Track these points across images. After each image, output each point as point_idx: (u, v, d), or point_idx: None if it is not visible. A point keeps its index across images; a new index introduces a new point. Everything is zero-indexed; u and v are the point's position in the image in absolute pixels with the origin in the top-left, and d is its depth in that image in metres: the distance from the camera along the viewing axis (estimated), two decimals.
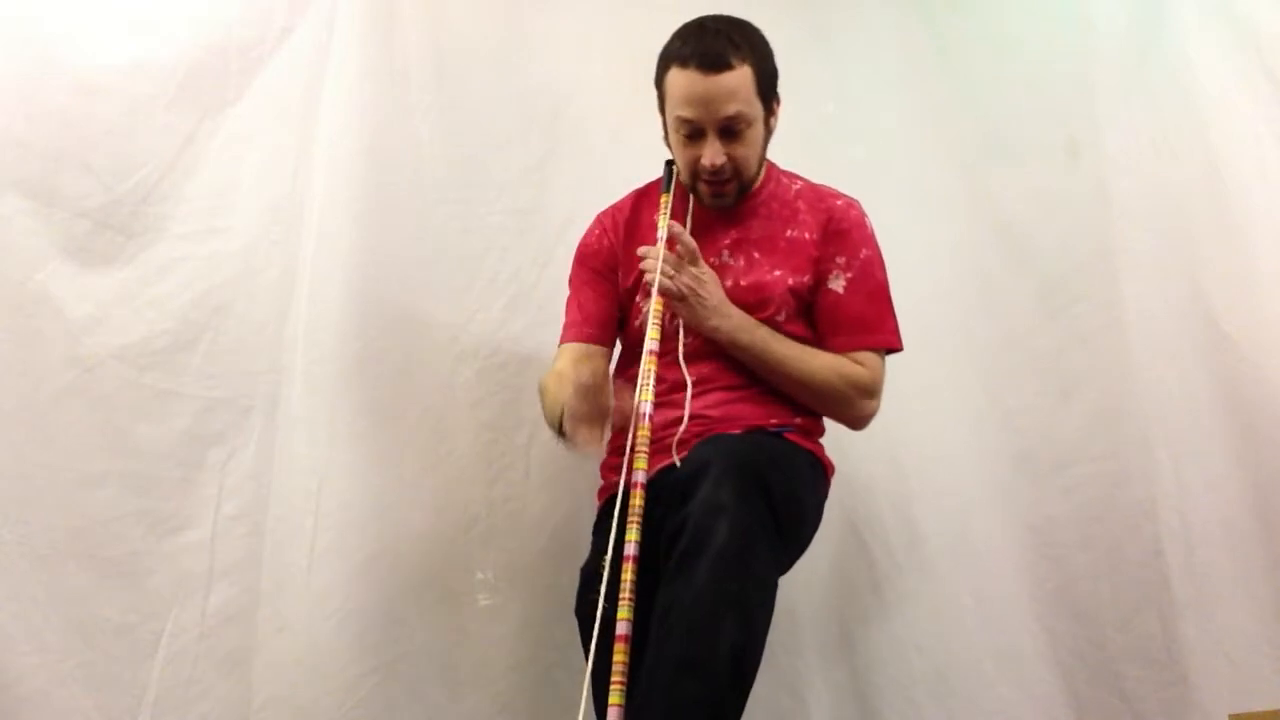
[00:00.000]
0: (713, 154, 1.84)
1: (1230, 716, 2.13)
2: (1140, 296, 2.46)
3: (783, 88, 2.03)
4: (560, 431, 1.75)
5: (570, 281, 2.04)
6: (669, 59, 1.87)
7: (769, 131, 1.93)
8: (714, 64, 1.81)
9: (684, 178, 1.92)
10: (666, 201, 1.91)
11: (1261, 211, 2.44)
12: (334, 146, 2.17)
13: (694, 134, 1.85)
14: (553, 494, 2.20)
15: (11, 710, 1.84)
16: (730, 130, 1.84)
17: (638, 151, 2.05)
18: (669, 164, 1.96)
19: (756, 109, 1.86)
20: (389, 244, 2.19)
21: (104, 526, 1.97)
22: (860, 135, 2.56)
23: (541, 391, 1.91)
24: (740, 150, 1.86)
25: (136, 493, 1.99)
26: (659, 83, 1.91)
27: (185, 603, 1.98)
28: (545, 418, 1.89)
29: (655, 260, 1.80)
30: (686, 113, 1.84)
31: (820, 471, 1.92)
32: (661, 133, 1.96)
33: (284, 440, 2.06)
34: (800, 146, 2.21)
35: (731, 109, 1.82)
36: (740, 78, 1.82)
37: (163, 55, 2.14)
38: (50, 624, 1.90)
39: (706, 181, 1.88)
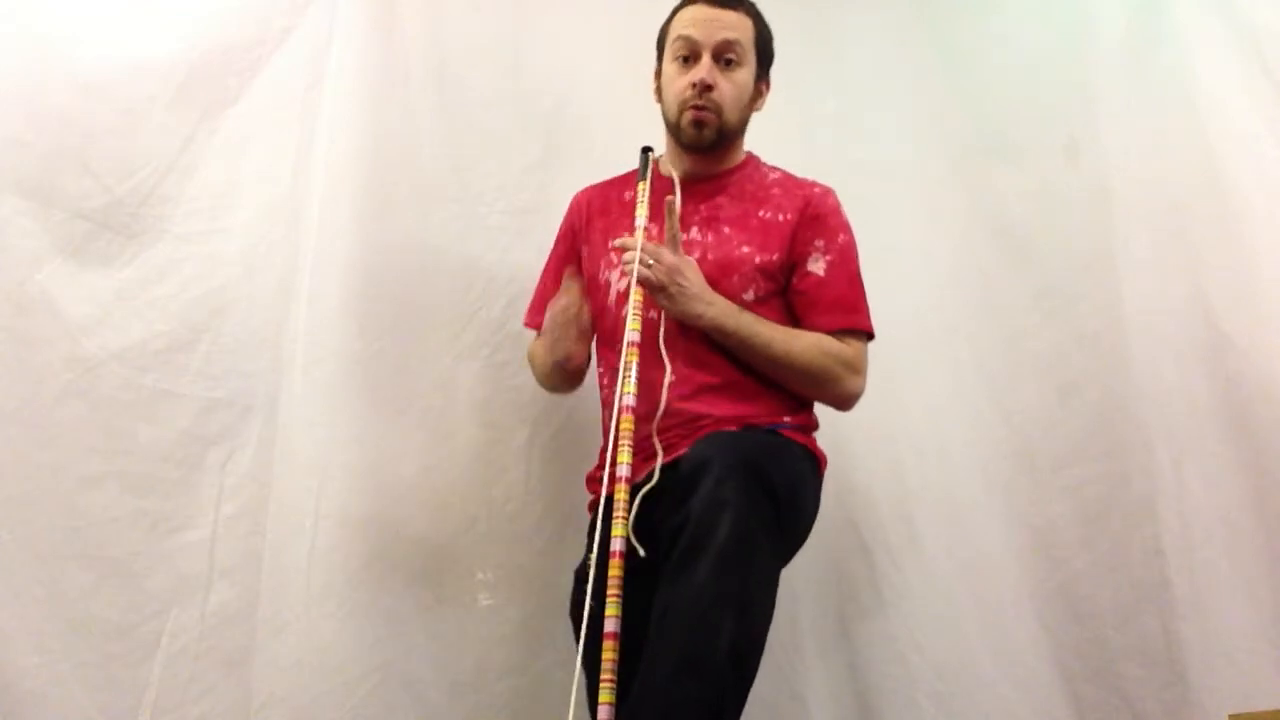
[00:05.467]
0: (705, 70, 1.90)
1: (1230, 716, 2.12)
2: (1140, 296, 2.46)
3: (783, 87, 2.04)
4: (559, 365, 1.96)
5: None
6: (678, 5, 1.99)
7: (755, 100, 1.99)
8: (721, 1, 1.94)
9: (670, 117, 1.96)
10: (644, 189, 1.92)
11: (1261, 211, 2.43)
12: (334, 146, 2.17)
13: (691, 56, 1.93)
14: (552, 494, 2.20)
15: (11, 710, 1.84)
16: (724, 59, 1.92)
17: (638, 151, 2.05)
18: (645, 150, 1.98)
19: (750, 56, 1.95)
20: (389, 244, 2.19)
21: (104, 526, 1.97)
22: (860, 135, 2.56)
23: (531, 360, 2.09)
24: (728, 85, 1.92)
25: (136, 493, 2.00)
26: (664, 29, 1.99)
27: (185, 603, 1.98)
28: (539, 375, 2.07)
29: (634, 251, 1.81)
30: (687, 32, 1.94)
31: (814, 465, 1.91)
32: (654, 87, 2.00)
33: (284, 440, 2.06)
34: (800, 146, 2.22)
35: (730, 35, 1.92)
36: (742, 20, 1.95)
37: (163, 55, 2.14)
38: (50, 624, 1.91)
39: (693, 107, 1.91)
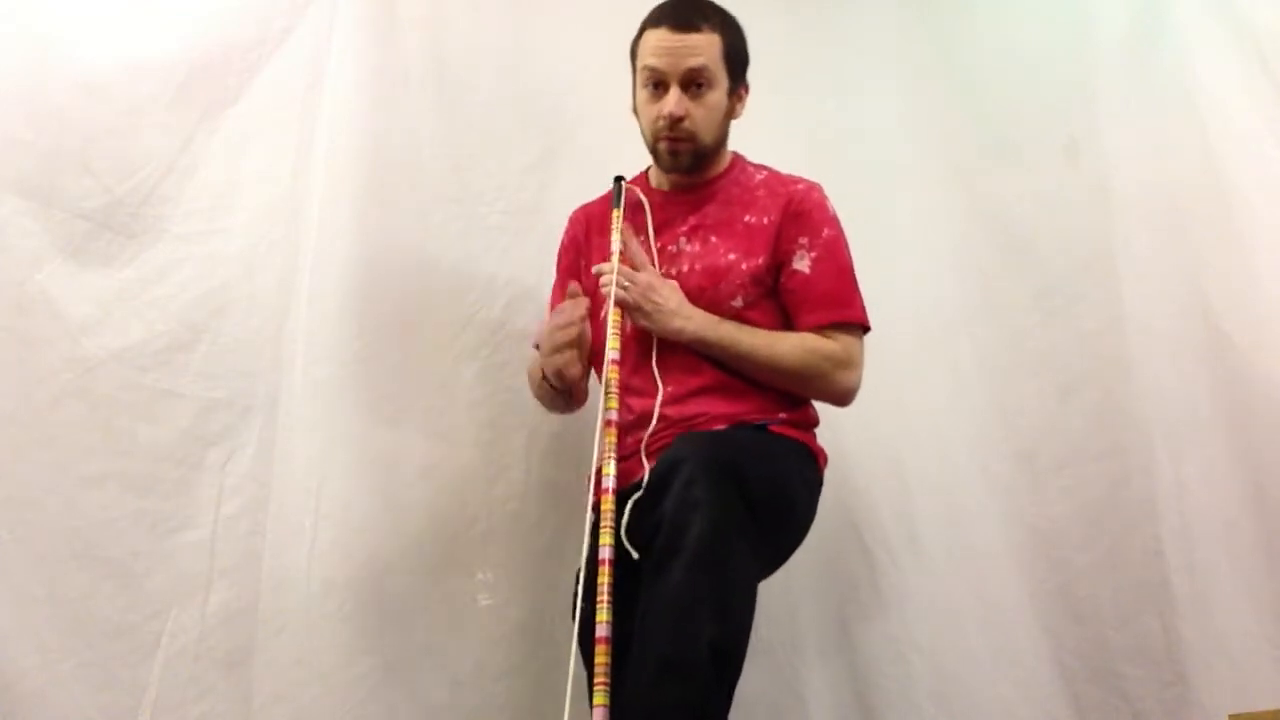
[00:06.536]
0: (673, 103, 1.91)
1: (1230, 716, 2.12)
2: (1140, 296, 2.46)
3: (784, 87, 2.03)
4: (548, 382, 1.93)
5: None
6: (644, 24, 1.97)
7: (731, 109, 1.98)
8: (683, 24, 1.92)
9: (647, 140, 1.98)
10: (618, 216, 1.95)
11: (1261, 211, 2.44)
12: (334, 147, 2.17)
13: (659, 84, 1.93)
14: (553, 494, 2.20)
15: (11, 710, 1.84)
16: (692, 84, 1.91)
17: (637, 152, 2.05)
18: (618, 180, 2.00)
19: (720, 75, 1.94)
20: (389, 244, 2.19)
21: (104, 526, 1.97)
22: (860, 135, 2.56)
23: (530, 378, 2.07)
24: (699, 110, 1.92)
25: (136, 493, 1.99)
26: (633, 49, 1.99)
27: (185, 603, 1.98)
28: (536, 394, 2.05)
29: (610, 275, 1.86)
30: (653, 62, 1.92)
31: (809, 459, 1.91)
32: (631, 105, 2.00)
33: (284, 440, 2.06)
34: (800, 146, 2.22)
35: (695, 62, 1.90)
36: (707, 40, 1.92)
37: (163, 55, 2.14)
38: (50, 624, 1.91)
39: (666, 138, 1.93)
